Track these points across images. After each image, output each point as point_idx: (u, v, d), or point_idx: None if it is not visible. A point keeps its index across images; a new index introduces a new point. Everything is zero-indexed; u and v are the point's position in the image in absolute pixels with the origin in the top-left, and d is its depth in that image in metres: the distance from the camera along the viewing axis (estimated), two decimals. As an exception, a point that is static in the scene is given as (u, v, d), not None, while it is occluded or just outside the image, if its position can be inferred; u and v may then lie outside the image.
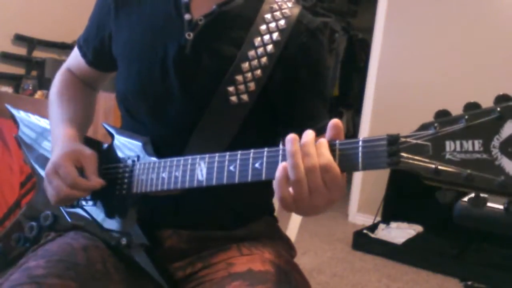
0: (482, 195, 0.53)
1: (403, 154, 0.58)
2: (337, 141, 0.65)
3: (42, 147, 1.08)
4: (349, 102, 5.42)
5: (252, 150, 0.73)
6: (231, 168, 0.73)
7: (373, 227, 3.37)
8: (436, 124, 0.56)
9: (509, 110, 0.52)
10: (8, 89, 3.07)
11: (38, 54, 3.24)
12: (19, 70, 3.18)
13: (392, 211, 3.49)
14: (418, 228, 3.32)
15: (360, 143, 0.62)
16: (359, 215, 3.81)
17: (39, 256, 0.84)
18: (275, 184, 0.67)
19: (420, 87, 3.45)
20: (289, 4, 0.94)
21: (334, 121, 0.66)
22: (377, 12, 3.67)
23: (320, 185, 0.64)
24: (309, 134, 0.66)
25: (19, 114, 1.14)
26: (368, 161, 0.61)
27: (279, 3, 0.93)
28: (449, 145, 0.55)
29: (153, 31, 0.94)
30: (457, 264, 2.86)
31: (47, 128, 1.08)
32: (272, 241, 0.98)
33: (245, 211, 0.98)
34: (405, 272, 2.85)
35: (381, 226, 3.38)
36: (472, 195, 0.53)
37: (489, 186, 0.51)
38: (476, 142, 0.53)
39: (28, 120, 1.13)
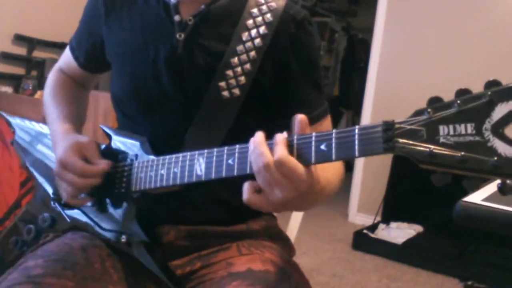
0: (477, 176, 0.53)
1: (398, 139, 0.59)
2: (295, 136, 0.67)
3: (37, 150, 1.09)
4: (349, 102, 5.43)
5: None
6: (230, 161, 0.74)
7: (373, 227, 3.37)
8: (429, 110, 0.58)
9: (498, 94, 0.53)
10: (8, 89, 3.08)
11: (38, 54, 3.25)
12: (19, 70, 3.20)
13: (392, 211, 3.49)
14: (418, 228, 3.32)
15: (356, 130, 0.63)
16: (359, 215, 3.81)
17: (38, 256, 0.84)
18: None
19: (420, 86, 3.45)
20: None
21: (300, 116, 0.68)
22: (377, 12, 3.69)
23: (278, 179, 0.66)
24: (258, 136, 0.69)
25: (14, 120, 1.16)
26: (365, 148, 0.62)
27: None
28: (442, 129, 0.56)
29: (144, 33, 0.95)
30: (457, 264, 2.86)
31: (42, 131, 1.10)
32: (271, 241, 0.98)
33: (243, 207, 0.98)
34: (405, 272, 2.85)
35: (381, 226, 3.38)
36: (468, 178, 0.54)
37: (483, 167, 0.52)
38: (468, 125, 0.54)
39: (23, 125, 1.14)
